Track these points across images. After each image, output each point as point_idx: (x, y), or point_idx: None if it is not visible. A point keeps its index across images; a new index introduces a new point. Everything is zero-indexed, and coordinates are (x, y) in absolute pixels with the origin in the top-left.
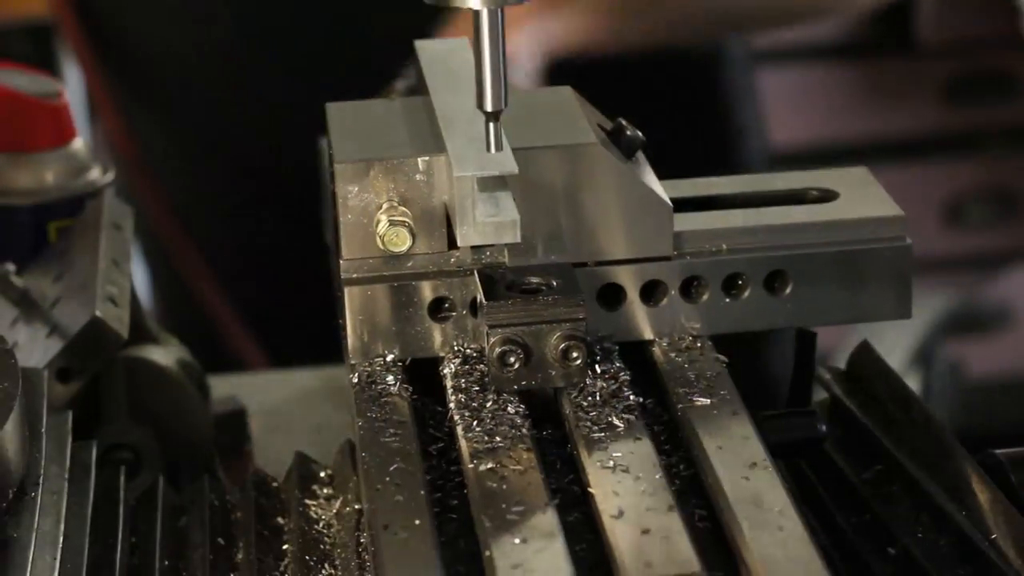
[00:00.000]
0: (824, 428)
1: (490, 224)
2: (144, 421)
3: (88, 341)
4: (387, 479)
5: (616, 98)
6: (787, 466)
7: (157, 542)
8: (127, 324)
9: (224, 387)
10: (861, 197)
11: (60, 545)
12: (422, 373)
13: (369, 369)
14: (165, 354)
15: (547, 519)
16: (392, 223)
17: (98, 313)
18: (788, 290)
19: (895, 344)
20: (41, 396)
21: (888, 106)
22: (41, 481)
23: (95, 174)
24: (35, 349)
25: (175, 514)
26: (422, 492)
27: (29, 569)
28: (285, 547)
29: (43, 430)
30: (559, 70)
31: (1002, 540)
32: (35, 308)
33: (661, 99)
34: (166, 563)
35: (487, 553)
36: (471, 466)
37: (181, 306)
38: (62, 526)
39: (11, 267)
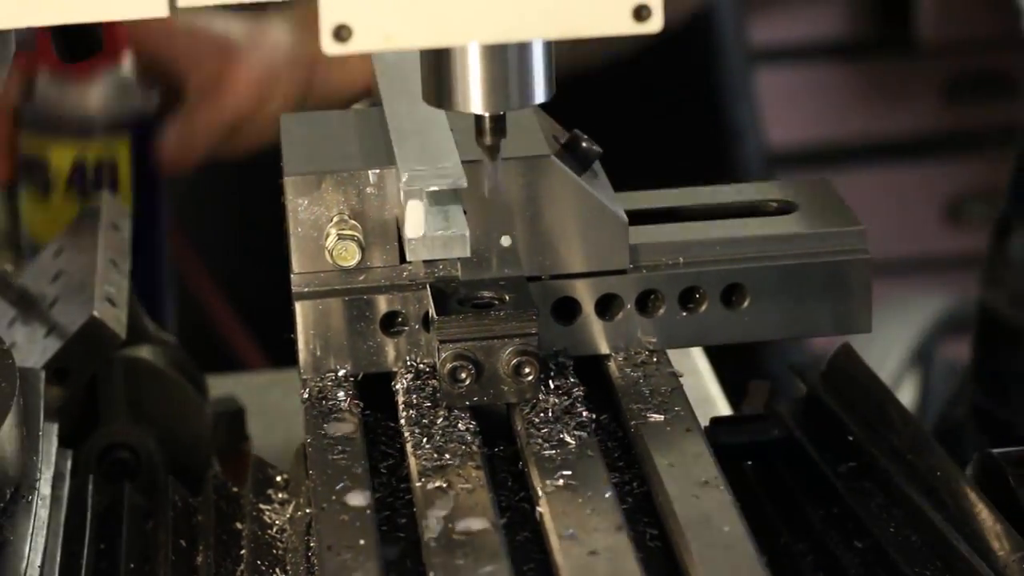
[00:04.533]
0: (776, 432)
1: (439, 238)
2: (142, 421)
3: (86, 341)
4: (333, 498)
5: (612, 99)
6: (760, 462)
7: (123, 545)
8: (125, 324)
9: (223, 387)
10: (821, 209)
11: (43, 550)
12: (377, 388)
13: (320, 384)
14: (163, 354)
15: (493, 540)
16: (341, 237)
17: (96, 313)
18: (746, 304)
19: (894, 343)
20: (39, 396)
21: (888, 106)
22: (38, 484)
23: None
24: (33, 349)
25: (143, 517)
26: (368, 512)
27: (25, 571)
28: (243, 551)
29: (40, 431)
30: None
31: (977, 537)
32: (33, 308)
33: (657, 100)
34: (132, 566)
35: (431, 575)
36: (419, 484)
37: (180, 306)
38: (45, 531)
39: (9, 267)
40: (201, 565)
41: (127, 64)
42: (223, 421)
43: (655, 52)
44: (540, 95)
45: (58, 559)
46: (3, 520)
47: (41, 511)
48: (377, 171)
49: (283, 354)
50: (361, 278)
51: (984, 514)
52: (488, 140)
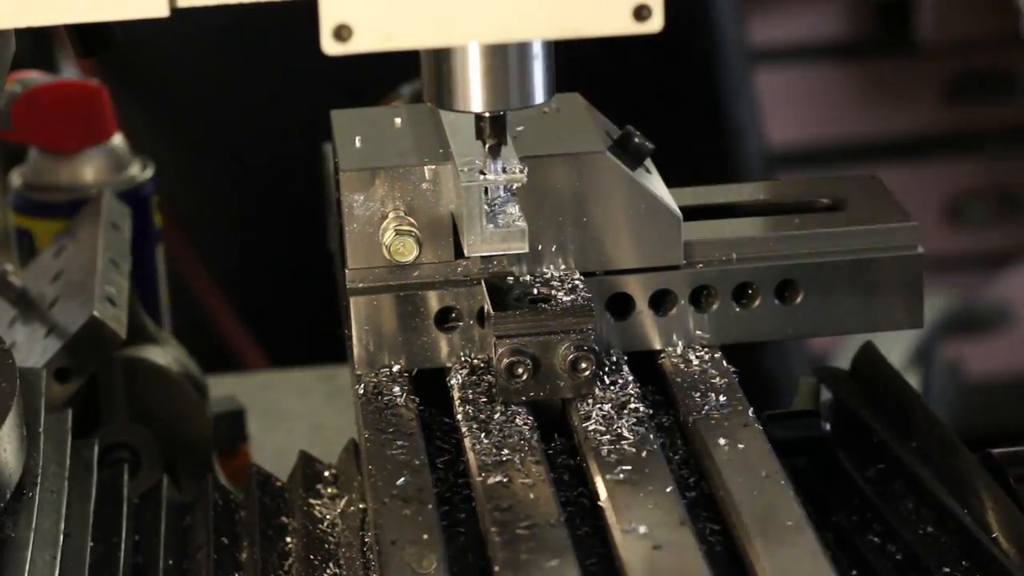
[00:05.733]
0: (828, 427)
1: (497, 233)
2: (142, 421)
3: (86, 341)
4: (394, 492)
5: (613, 99)
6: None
7: (161, 541)
8: (125, 324)
9: (223, 387)
10: (872, 205)
11: (60, 543)
12: (429, 383)
13: (375, 380)
14: (163, 354)
15: (557, 534)
16: (398, 233)
17: (96, 313)
18: (799, 299)
19: (894, 343)
20: (39, 396)
21: (888, 106)
22: (39, 480)
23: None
24: (33, 349)
25: (179, 513)
26: (430, 506)
27: (27, 568)
28: (289, 546)
29: (41, 430)
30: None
31: (1003, 539)
32: (33, 308)
33: (657, 99)
34: (170, 562)
35: (496, 569)
36: (479, 479)
37: (180, 306)
38: (62, 524)
39: (9, 267)
40: (246, 561)
41: (118, 137)
42: (223, 421)
43: (655, 52)
44: (540, 95)
45: (89, 547)
46: (5, 518)
47: (50, 505)
48: (433, 167)
49: (283, 354)
50: (415, 274)
51: (1007, 514)
52: (489, 140)
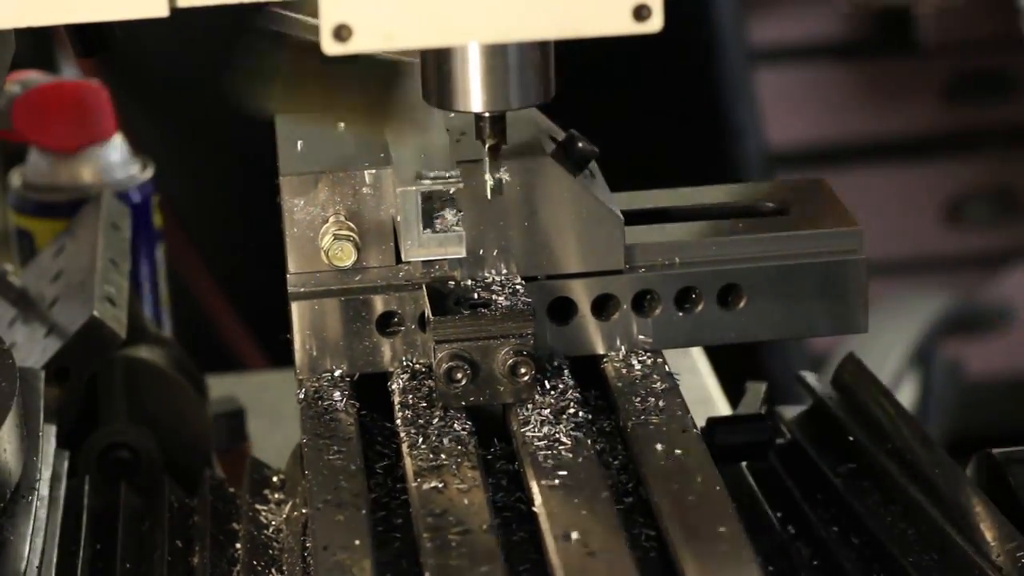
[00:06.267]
0: (772, 432)
1: (435, 238)
2: (142, 421)
3: (86, 341)
4: (329, 498)
5: (612, 99)
6: (758, 462)
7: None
8: (125, 324)
9: (223, 387)
10: (817, 209)
11: (56, 546)
12: (373, 388)
13: (316, 385)
14: (163, 354)
15: (489, 540)
16: (337, 237)
17: (96, 313)
18: (742, 304)
19: (894, 343)
20: (38, 396)
21: (888, 106)
22: (39, 481)
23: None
24: (33, 349)
25: (140, 518)
26: (363, 512)
27: (24, 568)
28: (239, 552)
29: (40, 431)
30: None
31: (973, 531)
32: (33, 308)
33: (656, 99)
34: (128, 566)
35: (427, 575)
36: (415, 484)
37: (180, 306)
38: (58, 527)
39: (9, 267)
40: (197, 566)
41: (118, 137)
42: (223, 421)
43: (655, 51)
44: (541, 95)
45: (55, 560)
46: (3, 520)
47: (40, 512)
48: (373, 171)
49: (283, 354)
50: (357, 278)
51: (980, 508)
52: (489, 140)
